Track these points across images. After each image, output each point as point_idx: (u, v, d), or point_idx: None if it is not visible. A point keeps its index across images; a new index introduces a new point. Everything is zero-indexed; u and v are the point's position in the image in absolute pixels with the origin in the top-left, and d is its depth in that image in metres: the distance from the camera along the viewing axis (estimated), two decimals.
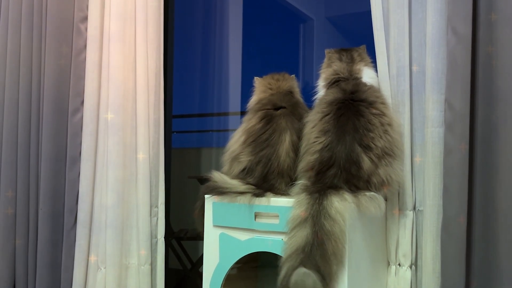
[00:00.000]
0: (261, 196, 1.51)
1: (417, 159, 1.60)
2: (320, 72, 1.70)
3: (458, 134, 1.47)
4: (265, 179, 1.57)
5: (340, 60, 1.65)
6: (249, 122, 1.68)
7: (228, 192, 1.55)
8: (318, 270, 1.29)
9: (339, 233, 1.33)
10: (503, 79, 1.43)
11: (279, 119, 1.63)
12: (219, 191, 1.58)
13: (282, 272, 1.33)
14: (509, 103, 1.42)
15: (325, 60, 1.70)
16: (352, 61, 1.64)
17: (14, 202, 2.17)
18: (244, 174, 1.60)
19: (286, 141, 1.60)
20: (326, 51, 1.71)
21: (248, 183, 1.57)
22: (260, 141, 1.61)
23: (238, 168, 1.62)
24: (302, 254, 1.31)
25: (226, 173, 1.66)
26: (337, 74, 1.62)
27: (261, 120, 1.64)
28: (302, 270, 1.29)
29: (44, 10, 2.16)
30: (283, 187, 1.56)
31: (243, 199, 1.51)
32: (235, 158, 1.64)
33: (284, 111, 1.66)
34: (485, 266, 1.45)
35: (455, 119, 1.47)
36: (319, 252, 1.31)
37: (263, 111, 1.67)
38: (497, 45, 1.44)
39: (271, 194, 1.52)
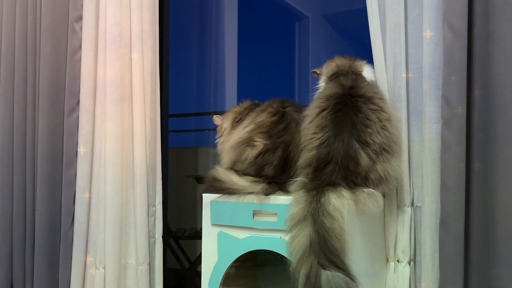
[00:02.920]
0: (273, 194, 1.50)
1: (414, 155, 1.60)
2: (323, 66, 1.70)
3: (455, 129, 1.47)
4: (284, 167, 1.54)
5: (344, 57, 1.66)
6: (258, 117, 1.65)
7: (240, 193, 1.52)
8: (336, 266, 1.28)
9: (340, 230, 1.32)
10: (499, 74, 1.43)
11: (292, 113, 1.63)
12: (229, 191, 1.54)
13: (302, 278, 1.30)
14: (505, 98, 1.43)
15: (327, 63, 1.70)
16: (355, 59, 1.65)
17: (11, 202, 2.16)
18: (261, 159, 1.54)
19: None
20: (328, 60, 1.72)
21: (262, 176, 1.53)
22: (277, 130, 1.58)
23: (252, 153, 1.55)
24: (313, 255, 1.30)
25: (234, 163, 1.59)
26: (338, 67, 1.62)
27: (274, 115, 1.62)
28: (326, 273, 1.28)
29: (39, 10, 2.15)
30: None
31: (254, 199, 1.50)
32: (246, 144, 1.57)
33: (292, 108, 1.65)
34: (484, 261, 1.46)
35: (452, 114, 1.47)
36: (327, 248, 1.30)
37: (272, 108, 1.66)
38: (493, 40, 1.44)
39: (282, 193, 1.50)
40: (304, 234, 1.33)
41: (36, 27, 2.16)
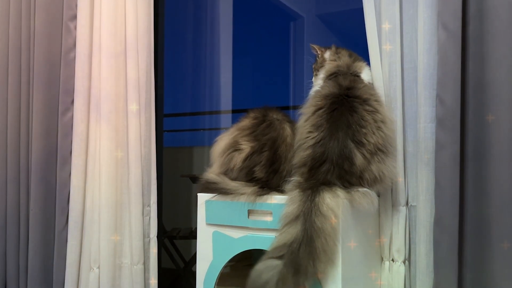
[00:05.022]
0: (266, 194, 1.50)
1: (409, 155, 1.61)
2: (327, 51, 1.70)
3: (449, 129, 1.47)
4: (273, 166, 1.54)
5: (350, 56, 1.66)
6: (240, 123, 1.66)
7: (233, 193, 1.52)
8: (297, 268, 1.31)
9: (330, 231, 1.34)
10: (493, 74, 1.44)
11: (274, 114, 1.64)
12: (222, 191, 1.54)
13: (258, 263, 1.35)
14: (499, 97, 1.43)
15: (332, 52, 1.69)
16: (357, 59, 1.65)
17: (5, 202, 2.15)
18: (249, 161, 1.55)
19: (287, 128, 1.60)
20: (334, 46, 1.71)
21: (253, 180, 1.53)
22: (261, 129, 1.59)
23: (240, 157, 1.56)
24: (285, 249, 1.33)
25: (225, 171, 1.60)
26: (338, 67, 1.63)
27: (255, 118, 1.64)
28: (270, 262, 1.32)
29: (33, 9, 2.14)
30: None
31: (247, 199, 1.50)
32: (233, 148, 1.58)
33: (275, 111, 1.67)
34: (478, 260, 1.46)
35: (446, 114, 1.48)
36: (308, 249, 1.31)
37: (254, 113, 1.67)
38: (487, 40, 1.45)
39: (276, 193, 1.50)
40: (291, 231, 1.35)
41: (30, 26, 2.14)
